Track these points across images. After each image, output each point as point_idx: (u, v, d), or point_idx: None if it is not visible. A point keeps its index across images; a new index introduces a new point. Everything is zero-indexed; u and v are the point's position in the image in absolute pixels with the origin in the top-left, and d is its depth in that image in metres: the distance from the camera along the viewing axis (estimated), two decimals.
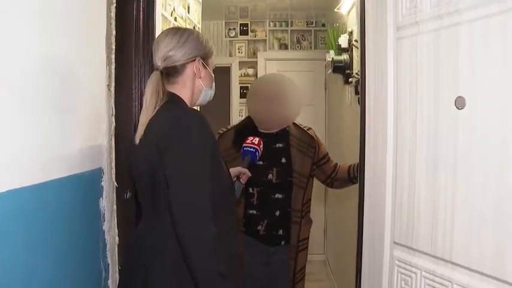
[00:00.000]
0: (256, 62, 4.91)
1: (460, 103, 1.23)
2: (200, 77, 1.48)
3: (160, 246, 1.36)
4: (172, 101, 1.42)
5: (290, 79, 2.36)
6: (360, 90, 1.76)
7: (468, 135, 1.22)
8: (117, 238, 1.86)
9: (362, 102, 1.67)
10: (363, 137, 1.66)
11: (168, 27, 2.41)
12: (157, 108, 1.39)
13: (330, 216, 4.69)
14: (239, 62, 4.93)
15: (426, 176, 1.36)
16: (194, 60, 1.45)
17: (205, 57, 1.49)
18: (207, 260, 1.25)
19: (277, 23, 4.90)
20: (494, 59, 1.14)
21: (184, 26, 2.78)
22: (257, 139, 1.97)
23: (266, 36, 4.91)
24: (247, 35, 4.92)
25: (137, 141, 1.41)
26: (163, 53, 1.42)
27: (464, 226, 1.23)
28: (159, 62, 1.43)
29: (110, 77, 1.82)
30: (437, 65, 1.31)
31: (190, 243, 1.24)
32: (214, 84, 1.56)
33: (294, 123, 2.35)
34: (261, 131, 2.24)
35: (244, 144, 1.97)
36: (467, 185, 1.22)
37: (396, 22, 1.47)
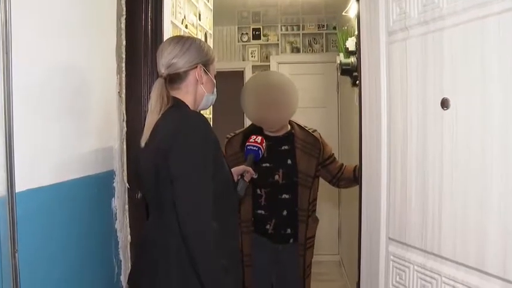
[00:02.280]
0: (269, 65, 5.00)
1: (445, 104, 1.29)
2: (202, 83, 1.55)
3: (164, 242, 1.44)
4: (176, 105, 1.50)
5: (283, 74, 2.41)
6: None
7: (452, 136, 1.28)
8: (129, 236, 1.97)
9: (360, 105, 1.74)
10: (362, 138, 1.73)
11: (178, 35, 2.51)
12: (162, 112, 1.48)
13: (344, 217, 4.73)
14: (252, 66, 5.02)
15: (416, 174, 1.42)
16: (196, 67, 1.53)
17: (206, 64, 1.56)
18: (210, 256, 1.34)
19: (289, 27, 4.98)
20: (473, 62, 1.20)
21: (195, 34, 2.88)
22: (260, 138, 2.04)
23: (278, 40, 5.00)
24: (260, 39, 5.01)
25: (143, 144, 1.49)
26: (167, 60, 1.50)
27: (450, 222, 1.29)
28: (162, 69, 1.51)
29: (120, 84, 1.93)
30: (425, 67, 1.37)
31: (193, 241, 1.33)
32: (215, 89, 1.64)
33: (299, 126, 2.42)
34: (267, 134, 2.32)
35: (247, 143, 2.04)
36: (451, 183, 1.28)
37: (388, 27, 1.53)
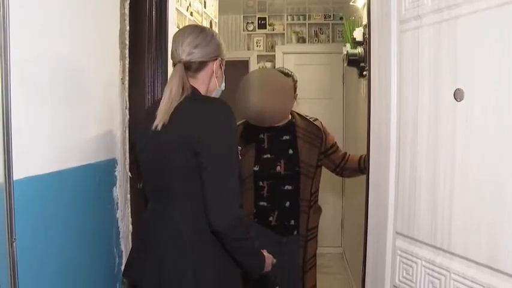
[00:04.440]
0: (274, 55, 4.94)
1: (459, 95, 1.25)
2: (216, 76, 1.56)
3: (173, 232, 1.44)
4: (197, 94, 1.50)
5: (279, 72, 2.35)
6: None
7: (466, 128, 1.23)
8: (130, 226, 1.94)
9: (368, 95, 1.69)
10: (370, 129, 1.69)
11: (183, 22, 2.47)
12: (181, 99, 1.44)
13: (347, 209, 4.71)
14: (257, 55, 4.97)
15: (426, 167, 1.38)
16: (216, 59, 1.53)
17: (223, 58, 1.58)
18: (245, 240, 1.45)
19: (295, 17, 4.92)
20: (490, 52, 1.15)
21: (201, 22, 2.84)
22: None
23: (284, 29, 4.93)
24: (265, 28, 4.95)
25: (160, 127, 1.41)
26: (189, 48, 1.47)
27: (461, 217, 1.25)
28: (183, 56, 1.48)
29: (123, 71, 1.89)
30: (438, 57, 1.32)
31: (229, 229, 1.39)
32: (224, 84, 1.65)
33: (300, 115, 2.37)
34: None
35: None
36: (464, 177, 1.24)
37: (399, 15, 1.48)
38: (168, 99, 1.43)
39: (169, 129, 1.42)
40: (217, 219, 1.37)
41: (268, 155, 2.25)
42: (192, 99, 1.46)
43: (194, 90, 1.49)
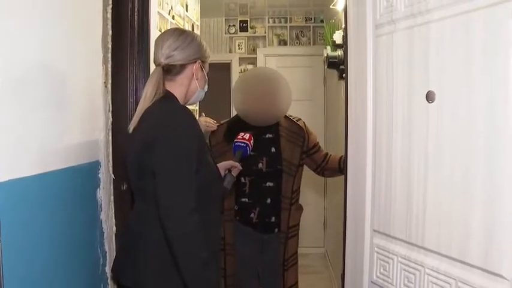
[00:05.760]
0: (256, 58, 4.98)
1: (430, 97, 1.31)
2: (197, 78, 1.57)
3: (145, 232, 1.46)
4: (167, 97, 1.51)
5: (277, 72, 2.41)
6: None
7: (438, 128, 1.29)
8: (114, 227, 1.96)
9: (346, 96, 1.75)
10: (347, 130, 1.74)
11: (165, 25, 2.49)
12: (154, 100, 1.48)
13: (329, 210, 4.76)
14: (239, 58, 5.00)
15: (401, 167, 1.43)
16: (195, 62, 1.55)
17: (204, 61, 1.59)
18: (189, 245, 1.34)
19: (276, 20, 4.97)
20: (459, 56, 1.21)
21: (182, 25, 2.86)
22: (248, 135, 2.05)
23: (265, 32, 4.98)
24: (247, 31, 4.99)
25: (131, 130, 1.49)
26: (168, 51, 1.50)
27: (434, 214, 1.31)
28: (162, 59, 1.51)
29: (106, 74, 1.91)
30: (411, 60, 1.38)
31: (173, 236, 1.33)
32: (207, 86, 1.66)
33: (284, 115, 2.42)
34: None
35: (235, 140, 2.05)
36: (436, 174, 1.29)
37: (375, 20, 1.54)
38: (142, 103, 1.49)
39: (136, 132, 1.47)
40: (164, 221, 1.34)
41: (251, 152, 2.28)
42: (159, 102, 1.48)
43: (166, 94, 1.52)
